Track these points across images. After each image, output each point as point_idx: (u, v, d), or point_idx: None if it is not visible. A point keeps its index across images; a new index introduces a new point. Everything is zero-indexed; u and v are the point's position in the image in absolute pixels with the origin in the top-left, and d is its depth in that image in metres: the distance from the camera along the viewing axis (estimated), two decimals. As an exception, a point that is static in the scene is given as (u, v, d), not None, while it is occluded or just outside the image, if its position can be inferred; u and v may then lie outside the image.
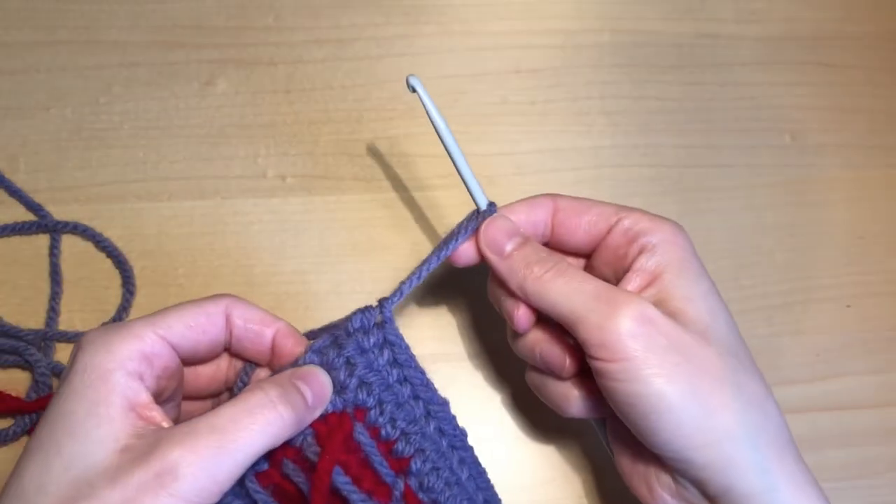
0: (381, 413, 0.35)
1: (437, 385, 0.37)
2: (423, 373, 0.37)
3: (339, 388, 0.34)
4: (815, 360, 0.47)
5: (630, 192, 0.49)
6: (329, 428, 0.33)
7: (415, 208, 0.48)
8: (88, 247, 0.46)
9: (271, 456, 0.33)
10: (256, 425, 0.31)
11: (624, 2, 0.53)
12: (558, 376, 0.37)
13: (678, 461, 0.33)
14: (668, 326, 0.33)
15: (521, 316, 0.37)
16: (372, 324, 0.36)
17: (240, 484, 0.34)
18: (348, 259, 0.47)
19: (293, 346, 0.36)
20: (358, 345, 0.35)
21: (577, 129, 0.50)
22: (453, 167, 0.38)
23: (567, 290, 0.34)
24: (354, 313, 0.36)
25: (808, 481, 0.33)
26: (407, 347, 0.36)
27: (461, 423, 0.38)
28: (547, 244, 0.39)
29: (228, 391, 0.38)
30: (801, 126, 0.52)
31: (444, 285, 0.47)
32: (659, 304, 0.34)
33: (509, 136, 0.50)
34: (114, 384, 0.31)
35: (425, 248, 0.48)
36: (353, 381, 0.34)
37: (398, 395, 0.36)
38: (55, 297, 0.45)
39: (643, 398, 0.32)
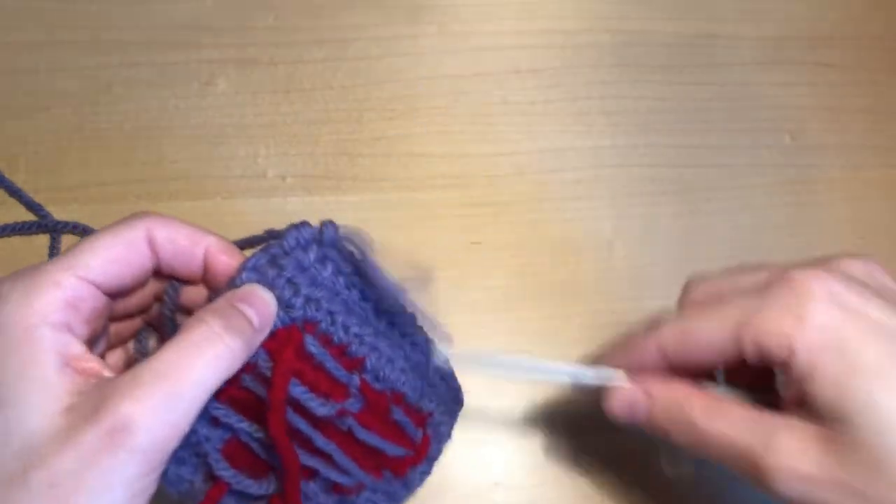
0: (333, 323, 0.33)
1: None
2: (383, 274, 0.35)
3: (284, 307, 0.33)
4: (816, 360, 0.47)
5: (630, 192, 0.49)
6: (279, 343, 0.32)
7: (415, 208, 0.48)
8: (88, 247, 0.46)
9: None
10: (204, 362, 0.28)
11: (624, 2, 0.53)
12: None
13: None
14: (829, 473, 0.28)
15: None
16: (309, 240, 0.34)
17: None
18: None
19: (227, 262, 0.33)
20: (298, 263, 0.33)
21: (577, 129, 0.50)
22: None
23: (713, 448, 0.31)
24: (289, 229, 0.34)
25: None
26: (352, 255, 0.35)
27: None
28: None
29: (157, 301, 0.36)
30: (801, 126, 0.52)
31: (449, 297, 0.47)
32: (817, 421, 0.29)
33: (509, 136, 0.50)
34: (40, 341, 0.28)
35: (425, 247, 0.47)
36: (300, 300, 0.33)
37: (347, 301, 0.35)
38: (55, 297, 0.45)
39: None
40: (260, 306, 0.31)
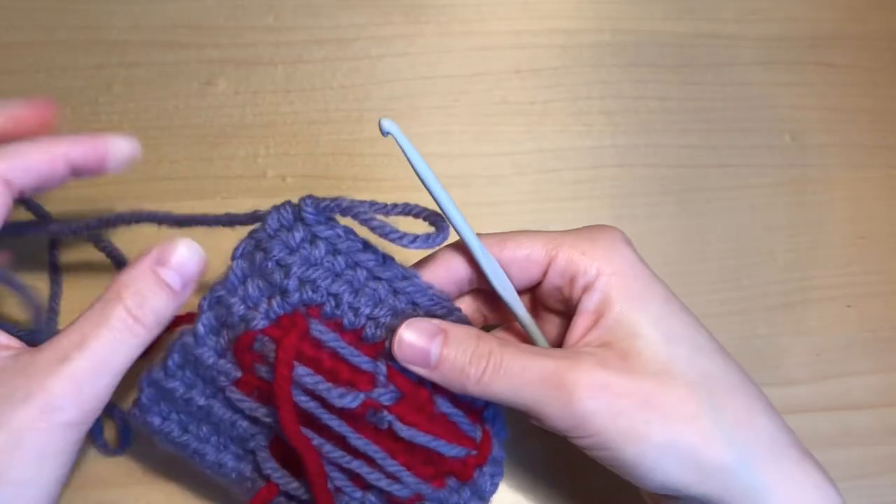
0: (338, 305, 0.33)
1: None
2: (375, 252, 0.34)
3: (280, 292, 0.32)
4: (816, 360, 0.47)
5: (630, 191, 0.49)
6: (283, 331, 0.32)
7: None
8: (88, 247, 0.46)
9: (242, 362, 0.33)
10: (122, 345, 0.30)
11: (624, 2, 0.53)
12: None
13: (675, 498, 0.33)
14: (625, 383, 0.31)
15: None
16: (292, 221, 0.33)
17: (223, 397, 0.33)
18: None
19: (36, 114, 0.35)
20: (284, 244, 0.33)
21: (577, 129, 0.50)
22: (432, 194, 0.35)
23: (512, 385, 0.31)
24: (270, 212, 0.34)
25: (816, 484, 0.32)
26: (347, 234, 0.34)
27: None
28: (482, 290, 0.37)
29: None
30: (801, 126, 0.52)
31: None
32: (609, 346, 0.32)
33: (509, 136, 0.50)
34: None
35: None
36: (293, 283, 0.32)
37: (352, 281, 0.33)
38: (55, 297, 0.45)
39: (625, 462, 0.31)
40: (180, 266, 0.32)
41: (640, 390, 0.31)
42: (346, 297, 0.33)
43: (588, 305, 0.33)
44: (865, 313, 0.48)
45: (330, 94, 0.50)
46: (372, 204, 0.33)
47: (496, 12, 0.52)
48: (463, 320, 0.35)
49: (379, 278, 0.34)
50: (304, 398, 0.32)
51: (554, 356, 0.32)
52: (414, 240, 0.33)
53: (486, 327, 0.39)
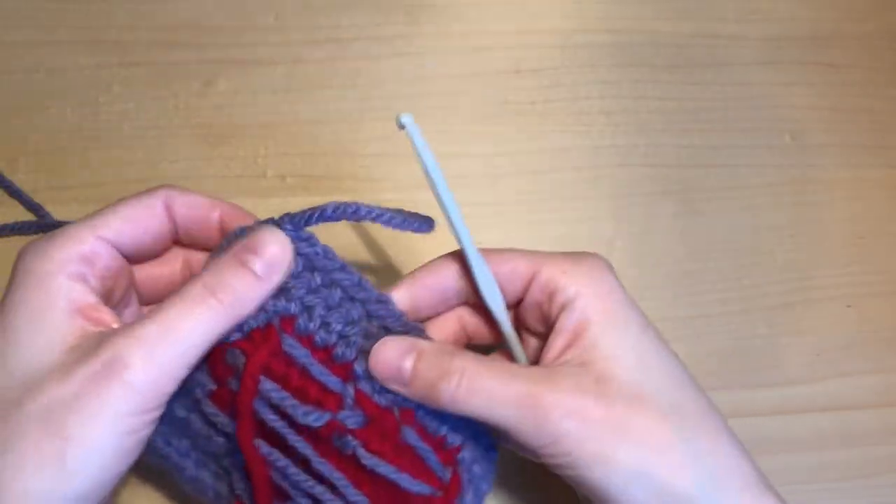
0: (311, 319, 0.33)
1: None
2: (352, 273, 0.34)
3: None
4: (815, 360, 0.47)
5: (630, 191, 0.49)
6: (254, 345, 0.32)
7: (415, 208, 0.48)
8: (88, 247, 0.46)
9: (216, 375, 0.33)
10: (194, 316, 0.30)
11: (624, 2, 0.53)
12: None
13: None
14: (600, 408, 0.31)
15: None
16: None
17: (199, 409, 0.33)
18: (348, 259, 0.47)
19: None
20: None
21: (577, 129, 0.50)
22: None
23: (486, 403, 0.31)
24: (252, 228, 0.34)
25: None
26: (326, 253, 0.34)
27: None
28: (467, 304, 0.37)
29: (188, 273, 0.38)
30: (801, 126, 0.52)
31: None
32: (585, 366, 0.32)
33: (509, 136, 0.50)
34: (56, 288, 0.30)
35: (425, 247, 0.47)
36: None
37: (327, 298, 0.34)
38: (55, 297, 0.45)
39: (592, 484, 0.31)
40: (267, 254, 0.32)
41: (612, 415, 0.31)
42: (319, 311, 0.33)
43: (566, 324, 0.33)
44: (865, 313, 0.48)
45: (330, 94, 0.50)
46: (354, 205, 0.34)
47: (496, 12, 0.52)
48: None
49: (353, 299, 0.34)
50: (272, 416, 0.32)
51: (529, 376, 0.32)
52: (402, 222, 0.34)
53: (469, 347, 0.39)
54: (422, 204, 0.48)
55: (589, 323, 0.33)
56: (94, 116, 0.48)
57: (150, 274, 0.36)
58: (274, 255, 0.32)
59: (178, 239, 0.36)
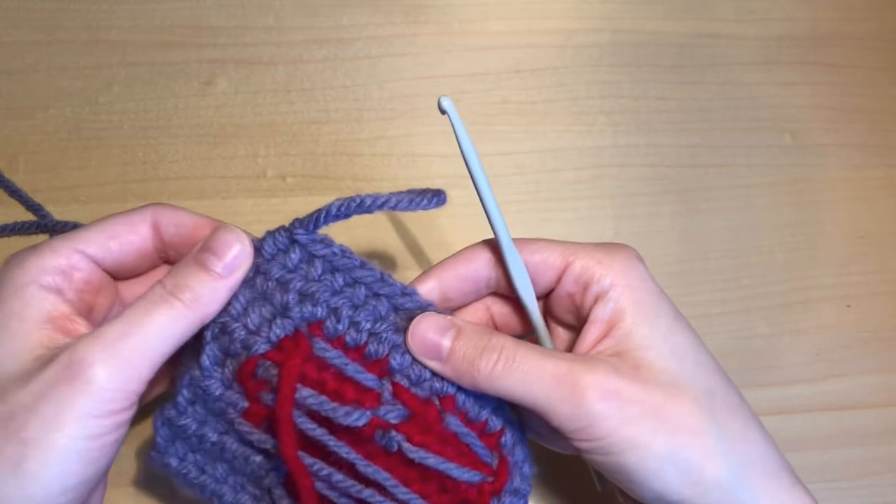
0: (339, 320, 0.32)
1: None
2: (373, 269, 0.34)
3: (281, 311, 0.32)
4: (815, 360, 0.47)
5: (630, 192, 0.49)
6: (285, 354, 0.32)
7: (415, 208, 0.48)
8: (88, 247, 0.46)
9: (248, 392, 0.32)
10: (155, 318, 0.30)
11: (624, 2, 0.53)
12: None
13: None
14: (636, 391, 0.32)
15: None
16: (287, 243, 0.34)
17: (234, 431, 0.33)
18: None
19: None
20: (282, 266, 0.33)
21: (577, 129, 0.50)
22: (470, 180, 0.35)
23: (524, 381, 0.31)
24: (265, 237, 0.34)
25: None
26: (344, 252, 0.34)
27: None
28: (496, 293, 0.37)
29: None
30: (801, 126, 0.52)
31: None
32: (620, 356, 0.33)
33: (509, 136, 0.50)
34: (28, 298, 0.31)
35: (425, 247, 0.47)
36: (292, 297, 0.32)
37: (352, 297, 0.33)
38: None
39: (626, 468, 0.32)
40: (224, 251, 0.32)
41: (649, 400, 0.32)
42: (346, 312, 0.33)
43: (600, 314, 0.34)
44: (865, 313, 0.48)
45: (330, 94, 0.50)
46: (358, 198, 0.33)
47: (496, 12, 0.52)
48: None
49: (378, 295, 0.34)
50: (310, 425, 0.32)
51: (567, 357, 0.32)
52: (411, 202, 0.33)
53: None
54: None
55: (623, 313, 0.33)
56: (94, 116, 0.48)
57: (136, 291, 0.36)
58: (235, 255, 0.32)
59: (167, 256, 0.36)
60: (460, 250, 0.37)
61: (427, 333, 0.33)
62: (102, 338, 0.29)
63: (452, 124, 0.33)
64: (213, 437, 0.33)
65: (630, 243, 0.48)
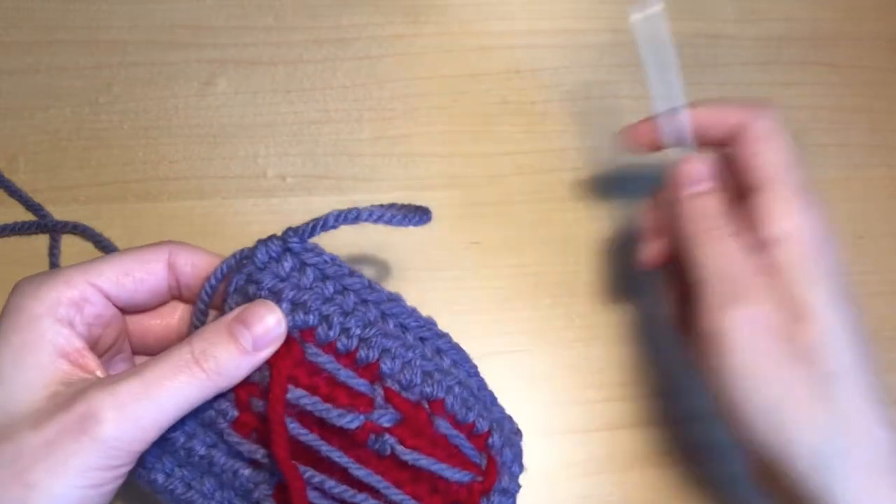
0: (330, 327, 0.33)
1: None
2: (361, 276, 0.35)
3: None
4: (816, 360, 0.47)
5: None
6: (277, 358, 0.32)
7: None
8: (88, 247, 0.46)
9: (239, 400, 0.32)
10: (174, 382, 0.30)
11: (624, 2, 0.53)
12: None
13: (757, 455, 0.34)
14: (777, 338, 0.33)
15: (651, 255, 0.40)
16: (280, 252, 0.34)
17: (223, 444, 0.33)
18: (348, 259, 0.47)
19: None
20: (274, 274, 0.33)
21: (577, 129, 0.50)
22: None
23: (714, 257, 0.34)
24: (257, 246, 0.34)
25: None
26: (334, 260, 0.35)
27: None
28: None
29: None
30: (801, 126, 0.52)
31: (454, 277, 0.47)
32: (781, 305, 0.34)
33: (509, 136, 0.50)
34: (42, 330, 0.30)
35: (424, 247, 0.47)
36: (285, 306, 0.32)
37: (342, 304, 0.34)
38: (55, 297, 0.45)
39: (742, 394, 0.33)
40: (258, 327, 0.32)
41: (786, 350, 0.33)
42: (338, 319, 0.33)
43: (772, 261, 0.34)
44: (865, 313, 0.48)
45: (330, 94, 0.50)
46: (355, 211, 0.34)
47: (496, 12, 0.52)
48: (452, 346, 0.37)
49: (367, 301, 0.35)
50: (301, 430, 0.32)
51: (753, 271, 0.34)
52: (403, 218, 0.34)
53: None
54: (422, 203, 0.48)
55: (791, 265, 0.34)
56: (93, 116, 0.48)
57: (143, 325, 0.36)
58: (266, 330, 0.32)
59: (180, 294, 0.36)
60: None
61: (696, 172, 0.37)
62: (118, 395, 0.29)
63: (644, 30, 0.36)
64: (202, 450, 0.33)
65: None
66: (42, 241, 0.46)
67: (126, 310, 0.35)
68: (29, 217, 0.46)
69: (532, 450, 0.44)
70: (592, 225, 0.49)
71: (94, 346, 0.33)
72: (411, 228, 0.48)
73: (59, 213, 0.47)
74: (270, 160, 0.48)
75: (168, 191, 0.47)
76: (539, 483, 0.44)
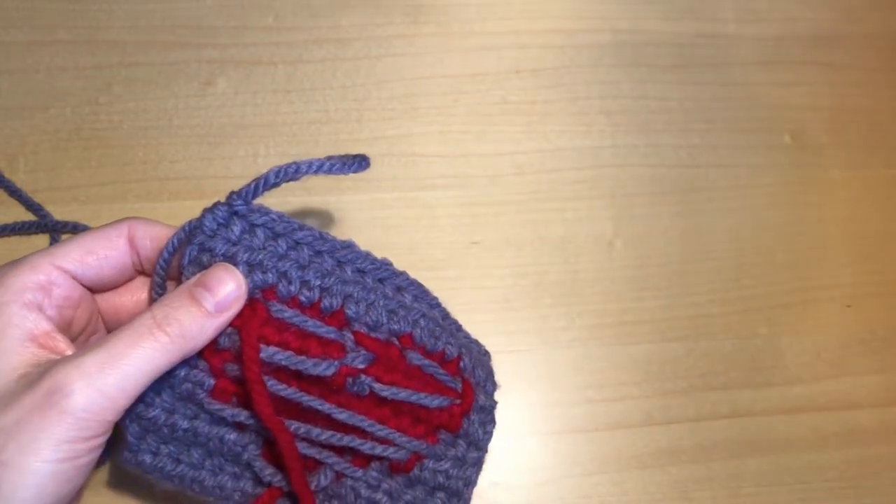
0: (290, 282, 0.33)
1: None
2: (311, 229, 0.35)
3: None
4: (816, 360, 0.47)
5: (630, 192, 0.49)
6: (243, 320, 0.32)
7: (415, 208, 0.48)
8: (88, 247, 0.46)
9: (213, 367, 0.33)
10: (139, 349, 0.30)
11: (624, 2, 0.53)
12: None
13: None
14: None
15: None
16: (227, 217, 0.34)
17: (204, 413, 0.34)
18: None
19: None
20: (225, 240, 0.34)
21: (577, 129, 0.50)
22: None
23: None
24: (204, 214, 0.34)
25: None
26: (281, 217, 0.35)
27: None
28: None
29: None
30: (801, 126, 0.52)
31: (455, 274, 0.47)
32: None
33: (509, 136, 0.50)
34: (9, 316, 0.31)
35: (425, 247, 0.47)
36: (242, 269, 0.33)
37: (297, 259, 0.34)
38: (55, 297, 0.45)
39: None
40: (219, 290, 0.32)
41: None
42: (295, 273, 0.33)
43: None
44: (865, 313, 0.48)
45: (330, 94, 0.50)
46: (294, 165, 0.35)
47: (496, 12, 0.52)
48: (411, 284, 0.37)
49: (321, 252, 0.35)
50: (280, 386, 0.32)
51: None
52: (342, 167, 0.34)
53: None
54: (422, 203, 0.48)
55: None
56: (93, 116, 0.48)
57: (114, 303, 0.36)
58: (227, 291, 0.32)
59: (143, 269, 0.36)
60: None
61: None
62: (83, 367, 0.30)
63: None
64: (184, 423, 0.34)
65: (630, 243, 0.48)
66: (42, 241, 0.46)
67: (95, 289, 0.35)
68: (29, 217, 0.46)
69: (532, 450, 0.44)
70: (592, 225, 0.49)
71: (67, 328, 0.33)
72: (411, 228, 0.48)
73: (59, 213, 0.47)
74: (270, 160, 0.48)
75: (168, 191, 0.47)
76: (539, 483, 0.44)
